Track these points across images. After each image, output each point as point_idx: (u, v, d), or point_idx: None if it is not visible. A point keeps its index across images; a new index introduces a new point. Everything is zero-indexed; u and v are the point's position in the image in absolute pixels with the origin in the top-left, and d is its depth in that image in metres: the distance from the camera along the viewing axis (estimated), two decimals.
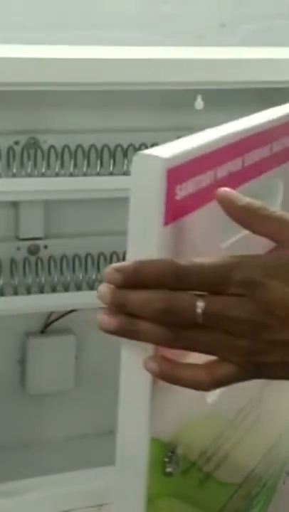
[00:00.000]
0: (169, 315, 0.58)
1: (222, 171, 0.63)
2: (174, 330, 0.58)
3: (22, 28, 1.45)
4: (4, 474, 1.14)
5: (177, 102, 1.20)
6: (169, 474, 0.64)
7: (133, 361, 0.62)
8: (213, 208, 0.61)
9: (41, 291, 1.17)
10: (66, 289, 1.18)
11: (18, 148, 1.14)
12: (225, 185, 0.62)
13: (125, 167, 1.17)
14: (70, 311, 1.23)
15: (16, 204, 1.17)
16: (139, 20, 1.57)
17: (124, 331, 0.61)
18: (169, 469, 0.64)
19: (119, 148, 1.17)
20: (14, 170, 1.13)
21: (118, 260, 1.20)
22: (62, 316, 1.24)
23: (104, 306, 0.61)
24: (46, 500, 1.13)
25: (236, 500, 0.73)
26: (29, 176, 1.13)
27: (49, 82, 1.06)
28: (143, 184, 0.58)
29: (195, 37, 1.62)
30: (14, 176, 1.13)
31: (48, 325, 1.25)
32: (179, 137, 1.21)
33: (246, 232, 0.61)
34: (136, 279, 0.59)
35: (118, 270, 0.59)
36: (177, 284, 0.58)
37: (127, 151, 1.17)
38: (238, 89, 1.18)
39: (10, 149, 1.13)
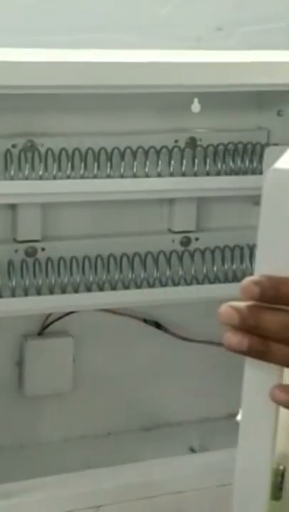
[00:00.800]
0: None
1: None
2: None
3: (19, 31, 1.45)
4: (1, 476, 1.14)
5: (174, 105, 1.20)
6: (278, 498, 0.64)
7: (258, 387, 0.62)
8: None
9: (38, 293, 1.17)
10: (63, 291, 1.18)
11: (15, 151, 1.14)
12: None
13: (122, 170, 1.17)
14: (68, 313, 1.24)
15: (14, 206, 1.18)
16: (136, 24, 1.57)
17: (255, 352, 0.59)
18: (279, 494, 0.64)
19: (116, 151, 1.17)
20: (12, 172, 1.13)
21: (115, 262, 1.20)
22: (60, 318, 1.24)
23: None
24: (44, 502, 1.13)
25: None
26: (26, 178, 1.13)
27: (46, 85, 1.06)
28: (280, 199, 0.57)
29: (192, 40, 1.62)
30: (12, 178, 1.13)
31: (46, 327, 1.25)
32: (176, 140, 1.23)
33: None
34: (272, 295, 0.57)
35: (256, 283, 0.57)
36: None
37: (124, 154, 1.18)
38: (234, 92, 1.19)
39: (7, 152, 1.14)
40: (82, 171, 1.15)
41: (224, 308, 0.58)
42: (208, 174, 1.21)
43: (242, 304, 0.58)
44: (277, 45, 1.63)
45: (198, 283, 1.24)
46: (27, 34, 1.43)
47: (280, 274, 0.57)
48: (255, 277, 0.58)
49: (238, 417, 0.67)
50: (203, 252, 1.25)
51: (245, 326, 0.58)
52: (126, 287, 1.20)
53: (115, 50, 1.22)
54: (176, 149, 1.21)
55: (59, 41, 1.47)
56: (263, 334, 0.58)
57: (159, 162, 1.19)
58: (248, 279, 0.58)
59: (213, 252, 1.25)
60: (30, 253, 1.19)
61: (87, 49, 1.23)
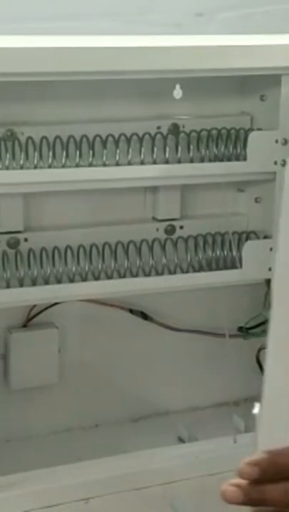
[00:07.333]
0: None
1: None
2: None
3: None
4: None
5: (156, 92, 1.19)
6: None
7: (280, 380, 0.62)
8: None
9: (21, 285, 1.15)
10: (46, 282, 1.16)
11: None
12: None
13: (104, 157, 1.16)
14: (52, 305, 1.22)
15: None
16: (114, 10, 1.55)
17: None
18: None
19: (98, 139, 1.16)
20: None
21: (98, 252, 1.19)
22: (44, 309, 1.23)
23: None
24: (32, 496, 1.12)
25: None
26: (7, 168, 1.11)
27: (25, 72, 1.05)
28: None
29: (171, 26, 1.61)
30: None
31: (30, 319, 1.23)
32: (158, 127, 1.21)
33: None
34: (273, 471, 0.58)
35: (255, 464, 0.58)
36: None
37: (106, 142, 1.16)
38: (216, 78, 1.17)
39: None
40: (63, 160, 1.14)
41: (226, 487, 0.60)
42: (191, 161, 1.20)
43: (242, 481, 0.60)
44: (257, 30, 1.62)
45: (183, 271, 1.22)
46: (8, 22, 1.41)
47: None
48: (252, 458, 0.59)
49: (256, 410, 0.66)
50: (187, 240, 1.24)
51: (250, 501, 0.60)
52: (109, 277, 1.19)
53: (94, 36, 1.20)
54: (158, 136, 1.19)
55: (39, 28, 1.46)
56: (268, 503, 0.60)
57: (142, 149, 1.18)
58: (244, 462, 0.59)
59: (198, 239, 1.24)
60: (13, 244, 1.17)
61: (66, 35, 1.21)
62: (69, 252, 1.18)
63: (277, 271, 0.62)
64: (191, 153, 1.20)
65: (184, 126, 1.21)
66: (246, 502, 0.60)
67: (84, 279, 1.18)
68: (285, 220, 0.58)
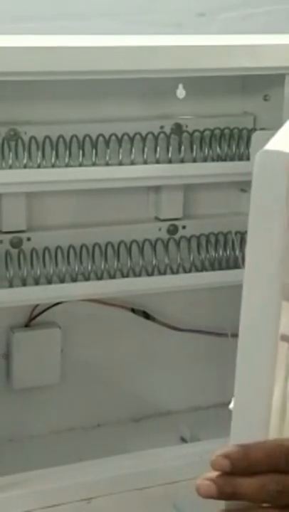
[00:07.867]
0: (283, 496, 0.58)
1: None
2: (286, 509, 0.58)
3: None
4: None
5: (159, 91, 1.19)
6: None
7: (251, 374, 0.63)
8: None
9: (24, 284, 1.15)
10: (49, 282, 1.16)
11: None
12: None
13: (107, 157, 1.16)
14: (55, 304, 1.22)
15: None
16: (115, 10, 1.55)
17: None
18: None
19: (101, 138, 1.16)
20: None
21: (100, 252, 1.19)
22: (47, 309, 1.23)
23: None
24: (34, 495, 1.12)
25: None
26: (10, 167, 1.11)
27: (28, 71, 1.04)
28: (269, 181, 0.56)
29: (172, 26, 1.61)
30: None
31: (33, 318, 1.23)
32: (161, 127, 1.21)
33: None
34: (245, 465, 0.59)
35: (226, 456, 0.59)
36: None
37: (109, 141, 1.16)
38: (219, 77, 1.17)
39: None
40: (66, 159, 1.14)
41: (201, 481, 0.61)
42: (194, 160, 1.20)
43: (216, 474, 0.61)
44: (259, 30, 1.62)
45: (186, 271, 1.22)
46: (8, 21, 1.41)
47: (269, 258, 0.56)
48: (224, 450, 0.60)
49: (231, 406, 0.67)
50: (190, 240, 1.24)
51: (223, 494, 0.61)
52: (112, 277, 1.19)
53: (96, 35, 1.20)
54: (161, 136, 1.19)
55: (39, 28, 1.46)
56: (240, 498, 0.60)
57: (145, 149, 1.18)
58: (216, 454, 0.60)
59: (200, 239, 1.24)
60: (16, 244, 1.17)
61: (67, 35, 1.21)
62: (72, 252, 1.18)
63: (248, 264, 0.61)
64: (194, 153, 1.20)
65: (186, 126, 1.21)
66: (220, 496, 0.60)
67: (86, 279, 1.18)
68: (254, 202, 0.57)
